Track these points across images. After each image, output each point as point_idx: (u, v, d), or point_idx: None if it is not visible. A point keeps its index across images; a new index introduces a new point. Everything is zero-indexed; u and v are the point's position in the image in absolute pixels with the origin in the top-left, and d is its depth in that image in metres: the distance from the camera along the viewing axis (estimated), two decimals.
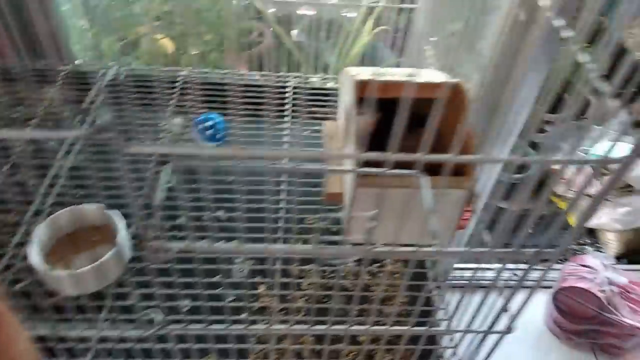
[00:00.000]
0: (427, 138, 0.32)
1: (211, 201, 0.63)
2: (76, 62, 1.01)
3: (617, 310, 1.10)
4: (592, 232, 1.34)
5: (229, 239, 0.65)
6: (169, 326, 0.46)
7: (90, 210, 0.65)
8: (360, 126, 0.63)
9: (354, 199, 0.56)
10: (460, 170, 0.58)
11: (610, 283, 1.11)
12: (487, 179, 0.84)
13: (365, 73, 0.63)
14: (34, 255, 0.59)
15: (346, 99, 0.65)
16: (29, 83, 0.84)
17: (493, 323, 0.47)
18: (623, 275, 1.11)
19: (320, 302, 0.66)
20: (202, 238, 0.39)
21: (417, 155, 0.34)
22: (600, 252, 1.30)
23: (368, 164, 0.41)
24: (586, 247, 1.32)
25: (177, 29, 1.21)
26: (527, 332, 1.15)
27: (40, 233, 0.62)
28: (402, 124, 0.34)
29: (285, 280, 0.65)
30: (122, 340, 0.53)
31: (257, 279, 0.67)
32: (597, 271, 1.12)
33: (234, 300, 0.65)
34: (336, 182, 0.64)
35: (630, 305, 1.11)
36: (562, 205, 1.34)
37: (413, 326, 0.47)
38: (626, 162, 0.33)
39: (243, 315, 0.61)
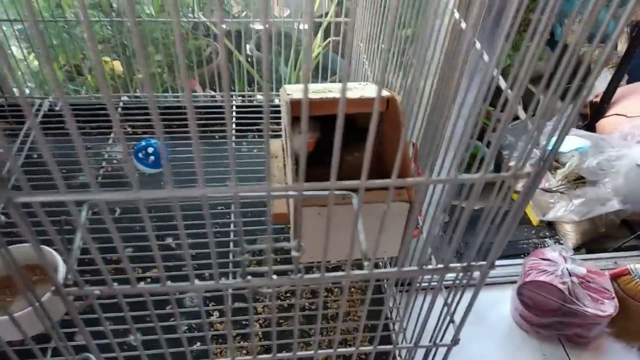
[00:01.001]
0: (334, 163, 0.32)
1: (155, 230, 0.61)
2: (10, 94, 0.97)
3: (579, 300, 1.12)
4: (551, 225, 1.37)
5: (179, 267, 0.63)
6: None
7: (23, 250, 0.62)
8: (298, 146, 0.62)
9: (296, 219, 0.56)
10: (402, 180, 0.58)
11: (571, 274, 1.13)
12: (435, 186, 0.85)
13: (300, 92, 0.63)
14: None
15: (283, 118, 0.64)
16: None
17: (440, 334, 0.47)
18: (582, 266, 1.14)
19: (278, 324, 0.64)
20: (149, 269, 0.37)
21: (357, 182, 0.34)
22: (560, 244, 1.33)
23: (310, 175, 0.40)
24: (547, 240, 1.35)
25: (124, 51, 1.18)
26: (495, 328, 1.16)
27: None
28: (338, 145, 0.33)
29: (239, 305, 0.64)
30: None
31: (210, 306, 0.65)
32: (557, 263, 1.15)
33: (187, 330, 0.63)
34: (282, 202, 0.63)
35: (591, 294, 1.14)
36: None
37: (368, 340, 0.46)
38: (535, 175, 0.33)
39: (196, 345, 0.59)
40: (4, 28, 1.01)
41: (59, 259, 0.61)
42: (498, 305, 1.18)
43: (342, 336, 0.63)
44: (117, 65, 1.30)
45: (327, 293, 0.68)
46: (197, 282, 0.36)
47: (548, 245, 1.34)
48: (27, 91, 1.07)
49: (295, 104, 0.58)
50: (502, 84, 0.42)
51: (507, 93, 0.41)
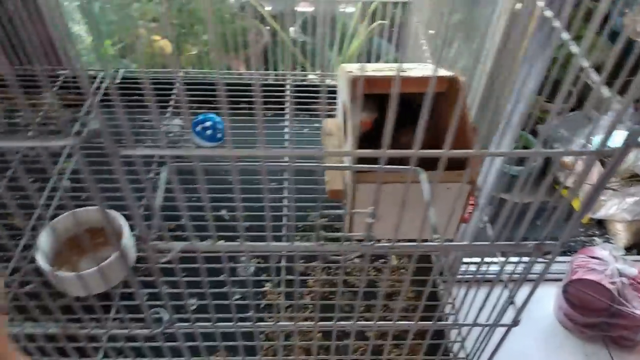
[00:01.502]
0: (419, 131, 0.32)
1: (211, 201, 0.64)
2: (69, 68, 1.01)
3: (628, 302, 1.08)
4: (601, 224, 1.32)
5: (232, 238, 0.65)
6: (177, 324, 0.46)
7: (93, 213, 0.65)
8: (357, 123, 0.62)
9: (353, 196, 0.56)
10: (461, 164, 0.57)
11: (621, 274, 1.09)
12: (488, 171, 0.83)
13: (362, 69, 0.62)
14: (41, 259, 0.59)
15: (343, 96, 0.65)
16: (26, 89, 0.85)
17: (499, 316, 0.47)
18: (633, 266, 1.10)
19: (326, 298, 0.66)
20: (204, 238, 0.39)
21: (411, 151, 0.34)
22: (610, 243, 1.28)
23: (367, 160, 0.40)
24: (595, 238, 1.31)
25: (173, 30, 1.21)
26: (538, 325, 1.14)
27: (45, 237, 0.63)
28: (393, 116, 0.33)
29: (290, 277, 0.65)
30: (131, 339, 0.53)
31: (262, 277, 0.67)
32: (607, 263, 1.11)
33: (240, 299, 0.65)
34: (337, 179, 0.64)
35: None
36: (575, 202, 1.33)
37: (419, 321, 0.47)
38: (621, 153, 0.32)
39: (250, 313, 0.61)
40: (66, 3, 1.07)
41: (124, 222, 0.64)
42: (542, 302, 1.15)
43: (388, 315, 0.63)
44: (166, 44, 1.33)
45: (376, 272, 0.69)
46: (273, 243, 0.37)
47: (597, 244, 1.29)
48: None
49: (356, 81, 0.58)
50: (582, 61, 0.41)
51: (584, 66, 0.39)
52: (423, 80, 0.61)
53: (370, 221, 0.36)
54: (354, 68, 0.64)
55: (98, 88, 0.87)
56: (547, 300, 1.17)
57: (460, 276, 0.72)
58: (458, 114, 0.35)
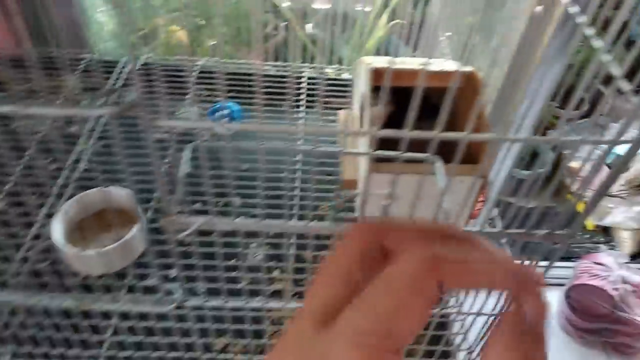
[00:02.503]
0: (441, 120, 0.33)
1: (232, 180, 0.65)
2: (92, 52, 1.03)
3: (630, 308, 1.09)
4: (606, 231, 1.33)
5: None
6: (188, 300, 0.48)
7: (116, 193, 0.67)
8: (373, 115, 0.63)
9: (368, 185, 0.57)
10: (473, 158, 0.58)
11: (624, 281, 1.10)
12: (497, 171, 0.84)
13: (380, 62, 0.64)
14: (57, 234, 0.61)
15: (361, 87, 0.66)
16: (48, 70, 0.86)
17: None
18: (637, 274, 1.10)
19: None
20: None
21: (432, 133, 0.35)
22: (615, 250, 1.29)
23: (383, 149, 0.42)
24: (600, 245, 1.31)
25: (192, 21, 1.23)
26: None
27: (68, 210, 0.64)
28: (415, 108, 0.35)
29: (299, 265, 0.66)
30: (143, 317, 0.55)
31: (271, 264, 0.68)
32: (610, 269, 1.11)
33: (249, 284, 0.66)
34: (351, 168, 0.65)
35: None
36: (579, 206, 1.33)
37: None
38: (637, 144, 0.33)
39: (258, 297, 0.62)
40: None
41: (140, 207, 0.65)
42: None
43: None
44: (183, 35, 1.35)
45: None
46: (292, 222, 0.38)
47: (601, 251, 1.29)
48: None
49: (376, 73, 0.59)
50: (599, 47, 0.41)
51: (606, 60, 0.40)
52: (442, 75, 0.62)
53: (386, 203, 0.37)
54: (374, 60, 0.65)
55: (120, 72, 0.89)
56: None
57: None
58: (477, 102, 0.36)
